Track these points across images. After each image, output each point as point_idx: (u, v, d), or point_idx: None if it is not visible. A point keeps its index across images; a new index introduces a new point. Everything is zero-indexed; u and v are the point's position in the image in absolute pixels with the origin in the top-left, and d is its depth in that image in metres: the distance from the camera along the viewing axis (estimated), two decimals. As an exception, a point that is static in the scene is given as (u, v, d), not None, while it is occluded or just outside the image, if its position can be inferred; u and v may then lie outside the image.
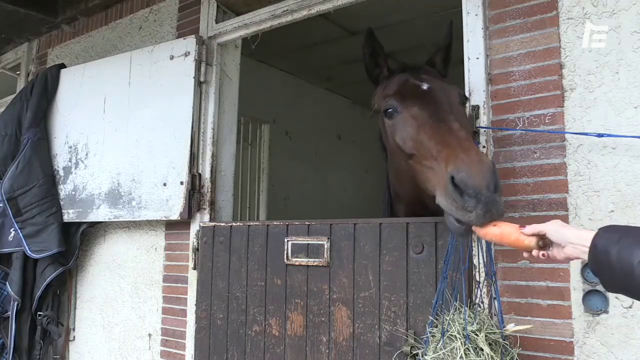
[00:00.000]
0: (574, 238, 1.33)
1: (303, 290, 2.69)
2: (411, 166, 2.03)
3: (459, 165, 1.61)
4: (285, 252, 2.77)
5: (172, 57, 3.46)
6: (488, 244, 2.05)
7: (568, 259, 1.40)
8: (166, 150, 3.40)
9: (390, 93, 2.12)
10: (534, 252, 1.45)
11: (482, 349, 1.80)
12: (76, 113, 4.01)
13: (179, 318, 3.35)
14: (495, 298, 2.03)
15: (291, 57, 5.32)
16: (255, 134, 5.41)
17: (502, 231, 1.54)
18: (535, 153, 2.09)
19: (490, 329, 1.88)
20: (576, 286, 1.94)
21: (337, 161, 6.43)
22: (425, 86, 2.05)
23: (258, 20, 3.22)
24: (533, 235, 1.44)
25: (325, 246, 2.62)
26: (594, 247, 1.24)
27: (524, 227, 1.48)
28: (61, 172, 4.01)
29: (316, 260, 2.65)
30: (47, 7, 4.48)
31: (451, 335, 1.87)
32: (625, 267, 1.13)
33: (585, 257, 1.28)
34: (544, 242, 1.43)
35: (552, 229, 1.40)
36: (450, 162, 1.66)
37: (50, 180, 3.99)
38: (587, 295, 1.92)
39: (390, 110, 2.08)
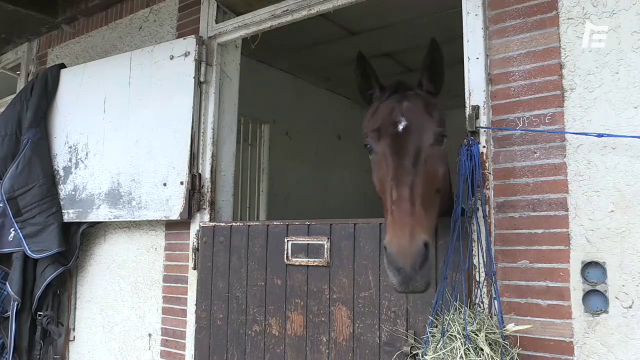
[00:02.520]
0: None
1: (303, 290, 2.69)
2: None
3: (390, 241, 1.77)
4: (285, 252, 2.77)
5: (172, 57, 3.46)
6: (488, 243, 2.05)
7: None
8: (166, 150, 3.40)
9: (373, 128, 2.09)
10: None
11: (482, 349, 1.80)
12: (76, 113, 4.01)
13: (179, 318, 3.35)
14: (495, 298, 2.03)
15: (291, 57, 5.32)
16: (255, 134, 5.41)
17: None
18: (535, 153, 2.09)
19: (490, 329, 1.88)
20: (576, 286, 1.94)
21: (337, 161, 6.43)
22: (401, 126, 1.99)
23: (258, 20, 3.22)
24: None
25: (325, 246, 2.63)
26: None
27: None
28: (61, 172, 4.01)
29: (316, 260, 2.65)
30: (47, 7, 4.48)
31: (451, 335, 1.87)
32: None
33: None
34: None
35: None
36: (387, 232, 1.83)
37: (50, 180, 3.99)
38: (587, 295, 1.92)
39: (369, 147, 2.10)
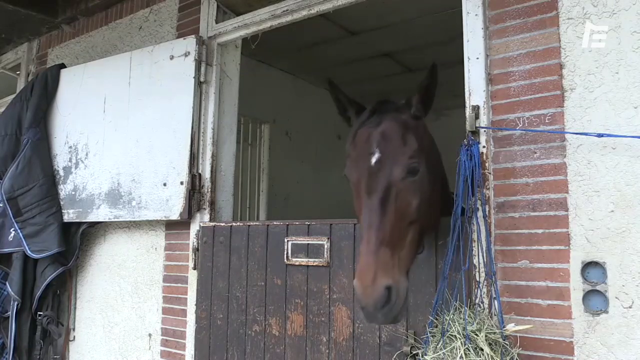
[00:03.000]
0: None
1: (303, 290, 2.69)
2: None
3: (356, 282, 1.85)
4: (285, 252, 2.77)
5: (172, 57, 3.46)
6: (488, 243, 2.05)
7: None
8: (166, 150, 3.40)
9: (349, 153, 2.11)
10: None
11: (482, 349, 1.80)
12: (76, 113, 4.01)
13: (179, 318, 3.35)
14: (495, 298, 2.03)
15: (291, 57, 5.32)
16: (255, 134, 5.41)
17: None
18: (535, 153, 2.09)
19: (490, 329, 1.88)
20: (576, 286, 1.94)
21: (337, 161, 6.41)
22: (374, 159, 1.99)
23: (258, 20, 3.22)
24: None
25: (325, 246, 2.63)
26: None
27: None
28: (61, 172, 4.01)
29: (316, 260, 2.65)
30: (47, 7, 4.48)
31: (451, 335, 1.87)
32: None
33: None
34: None
35: None
36: (356, 272, 1.91)
37: (50, 180, 3.99)
38: (587, 295, 1.92)
39: (346, 175, 2.11)
